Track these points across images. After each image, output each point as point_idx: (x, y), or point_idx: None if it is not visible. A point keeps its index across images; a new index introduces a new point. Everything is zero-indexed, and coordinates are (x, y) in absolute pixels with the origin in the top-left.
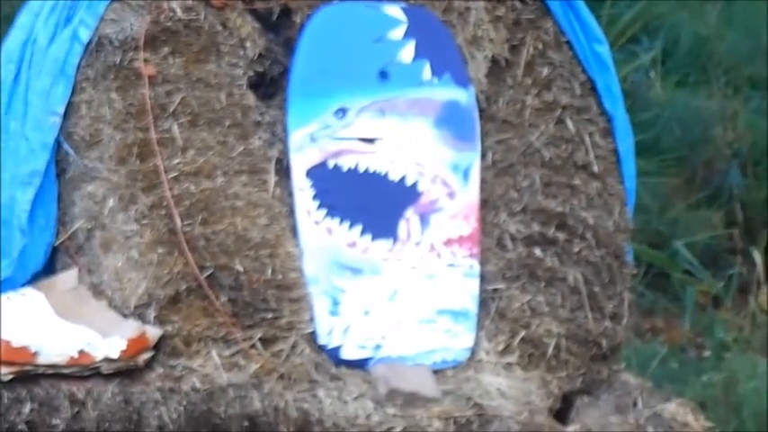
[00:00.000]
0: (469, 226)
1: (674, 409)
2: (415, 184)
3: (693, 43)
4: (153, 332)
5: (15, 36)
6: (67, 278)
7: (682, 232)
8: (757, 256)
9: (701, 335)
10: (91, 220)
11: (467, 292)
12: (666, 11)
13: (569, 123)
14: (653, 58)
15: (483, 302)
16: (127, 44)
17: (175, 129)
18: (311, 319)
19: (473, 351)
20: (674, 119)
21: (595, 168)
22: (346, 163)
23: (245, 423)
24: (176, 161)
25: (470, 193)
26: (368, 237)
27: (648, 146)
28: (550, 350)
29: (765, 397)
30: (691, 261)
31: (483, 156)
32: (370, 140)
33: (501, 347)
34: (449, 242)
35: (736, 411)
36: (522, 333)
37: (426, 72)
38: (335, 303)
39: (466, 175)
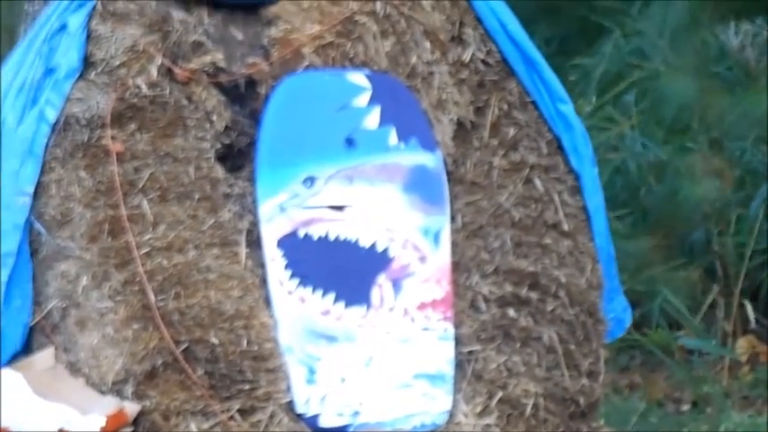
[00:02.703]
0: (442, 289)
1: None
2: (386, 250)
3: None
4: (131, 408)
5: None
6: (44, 357)
7: (659, 290)
8: (749, 308)
9: (678, 389)
10: (65, 299)
11: (442, 356)
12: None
13: (537, 182)
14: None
15: (459, 365)
16: (94, 122)
17: (145, 204)
18: (288, 389)
19: (451, 414)
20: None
21: (565, 227)
22: (316, 231)
23: None
24: (147, 237)
25: (442, 257)
26: (341, 304)
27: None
28: (529, 410)
29: None
30: (676, 307)
31: (453, 218)
32: (340, 208)
33: (479, 409)
34: (422, 306)
35: None
36: (500, 394)
37: (392, 137)
38: (312, 372)
39: (436, 238)
